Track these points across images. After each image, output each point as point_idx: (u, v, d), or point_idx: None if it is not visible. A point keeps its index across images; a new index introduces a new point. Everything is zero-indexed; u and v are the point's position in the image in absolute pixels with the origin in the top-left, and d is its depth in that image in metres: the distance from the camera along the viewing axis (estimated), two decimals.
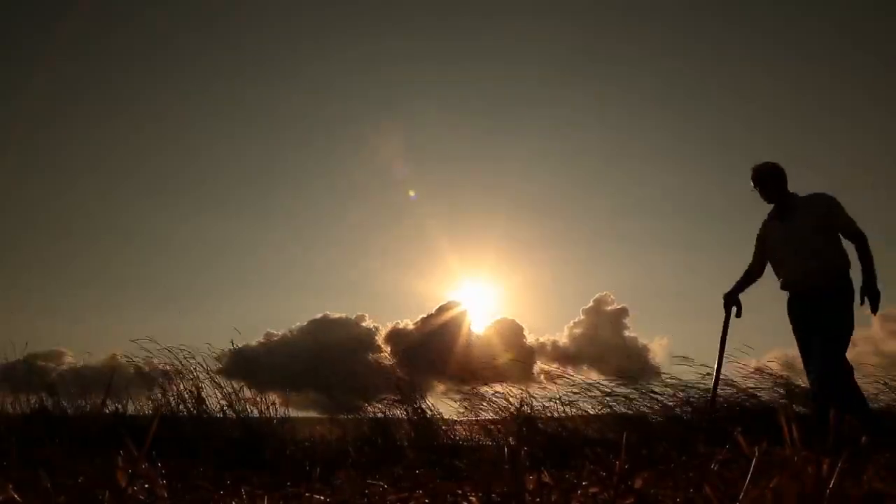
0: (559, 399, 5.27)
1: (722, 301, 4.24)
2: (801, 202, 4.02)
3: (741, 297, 4.25)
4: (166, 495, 1.65)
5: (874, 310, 3.73)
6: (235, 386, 4.89)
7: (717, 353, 4.22)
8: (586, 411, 5.26)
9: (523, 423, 5.04)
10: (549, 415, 5.20)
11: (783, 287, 4.04)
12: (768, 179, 4.07)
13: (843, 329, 3.75)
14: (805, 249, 3.93)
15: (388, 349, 6.17)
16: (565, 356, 5.84)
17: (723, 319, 4.23)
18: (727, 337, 4.21)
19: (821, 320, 3.79)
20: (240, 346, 5.14)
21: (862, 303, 3.74)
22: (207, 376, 4.93)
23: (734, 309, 4.22)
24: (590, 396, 5.32)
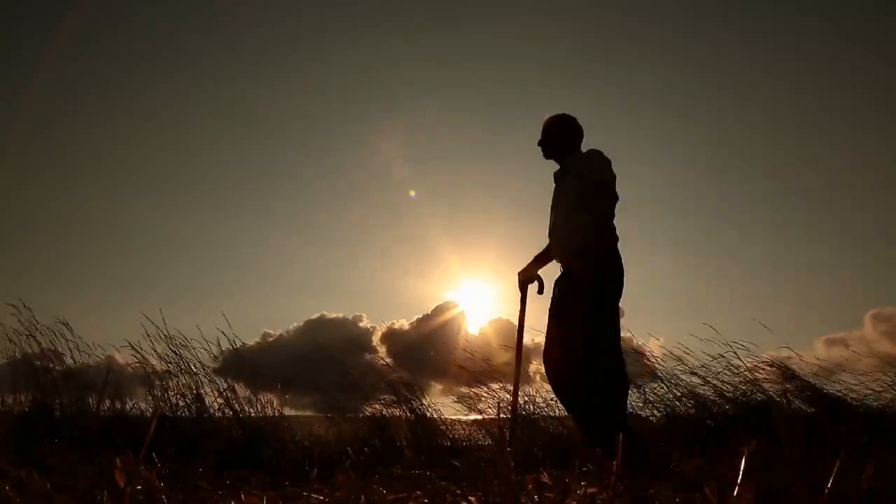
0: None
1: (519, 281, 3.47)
2: (574, 162, 3.30)
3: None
4: (165, 496, 1.65)
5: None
6: (232, 385, 4.89)
7: (516, 343, 3.52)
8: None
9: (524, 422, 5.04)
10: (549, 414, 5.21)
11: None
12: (548, 130, 3.38)
13: (594, 321, 3.07)
14: (562, 218, 3.30)
15: (384, 349, 6.16)
16: None
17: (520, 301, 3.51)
18: (524, 322, 3.52)
19: (563, 308, 3.17)
20: (236, 345, 5.13)
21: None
22: (205, 375, 4.93)
23: (536, 286, 3.47)
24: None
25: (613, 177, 3.18)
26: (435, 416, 5.17)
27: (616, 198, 3.20)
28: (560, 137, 3.36)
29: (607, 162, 3.19)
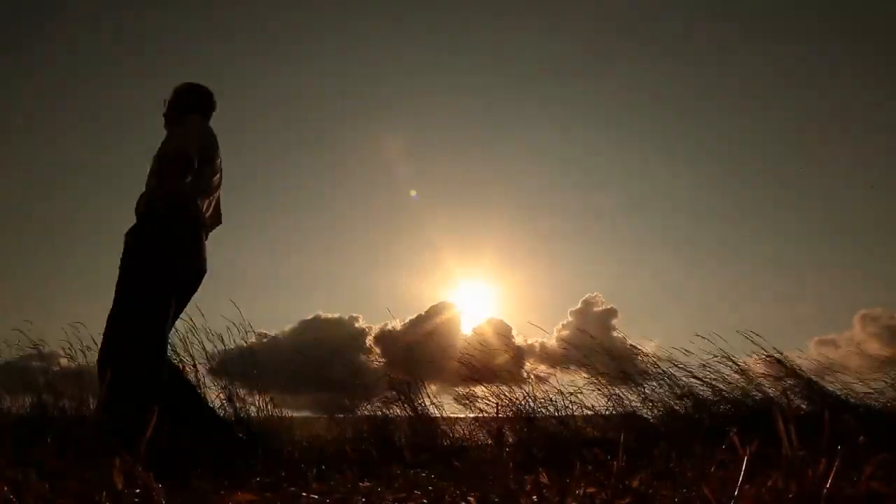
0: (560, 392, 5.26)
1: None
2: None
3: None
4: (163, 497, 1.65)
5: None
6: (227, 386, 4.88)
7: None
8: (591, 407, 5.25)
9: (523, 422, 5.04)
10: (548, 413, 5.20)
11: None
12: (172, 97, 3.17)
13: (129, 301, 2.82)
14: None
15: (379, 350, 6.16)
16: (554, 357, 5.81)
17: None
18: None
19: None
20: (232, 346, 5.13)
21: None
22: (200, 376, 4.92)
23: None
24: (590, 391, 5.32)
25: (193, 149, 2.86)
26: (434, 415, 5.17)
27: (207, 174, 2.91)
28: (175, 106, 3.15)
29: (189, 134, 2.91)
